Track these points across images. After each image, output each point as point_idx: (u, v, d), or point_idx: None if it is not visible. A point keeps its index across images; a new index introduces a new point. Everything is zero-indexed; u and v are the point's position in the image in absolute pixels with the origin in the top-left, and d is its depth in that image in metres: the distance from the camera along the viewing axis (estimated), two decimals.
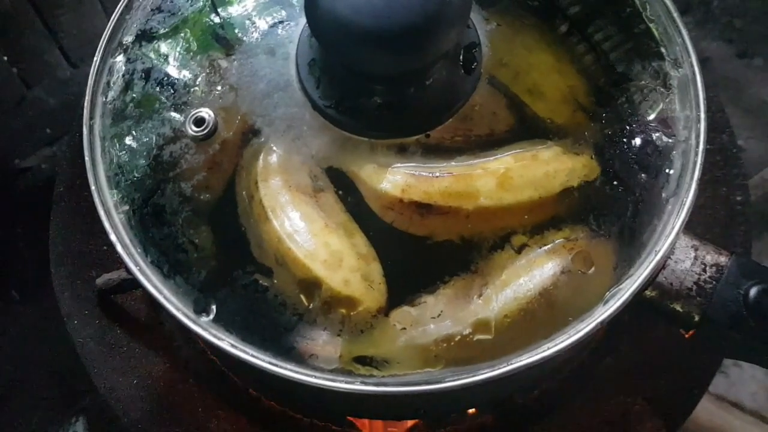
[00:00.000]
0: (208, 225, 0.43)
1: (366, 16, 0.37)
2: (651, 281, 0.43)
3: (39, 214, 0.74)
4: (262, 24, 0.48)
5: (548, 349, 0.39)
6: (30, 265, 1.02)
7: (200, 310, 0.42)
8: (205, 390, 0.65)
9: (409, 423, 0.64)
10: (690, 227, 0.43)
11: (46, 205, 0.71)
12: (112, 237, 0.43)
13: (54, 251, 0.69)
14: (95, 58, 0.48)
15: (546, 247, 0.42)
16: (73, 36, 1.07)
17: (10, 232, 1.07)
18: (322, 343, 0.40)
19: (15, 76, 1.06)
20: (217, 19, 0.48)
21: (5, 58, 1.02)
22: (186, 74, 0.47)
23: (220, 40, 0.48)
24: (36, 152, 1.13)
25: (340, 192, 0.43)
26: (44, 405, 0.98)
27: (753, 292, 0.42)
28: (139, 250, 0.43)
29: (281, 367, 0.40)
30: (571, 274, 0.41)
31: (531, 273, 0.41)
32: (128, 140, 0.46)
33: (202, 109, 0.45)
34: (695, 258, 0.44)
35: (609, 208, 0.43)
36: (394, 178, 0.42)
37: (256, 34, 0.47)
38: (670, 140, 0.44)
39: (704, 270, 0.43)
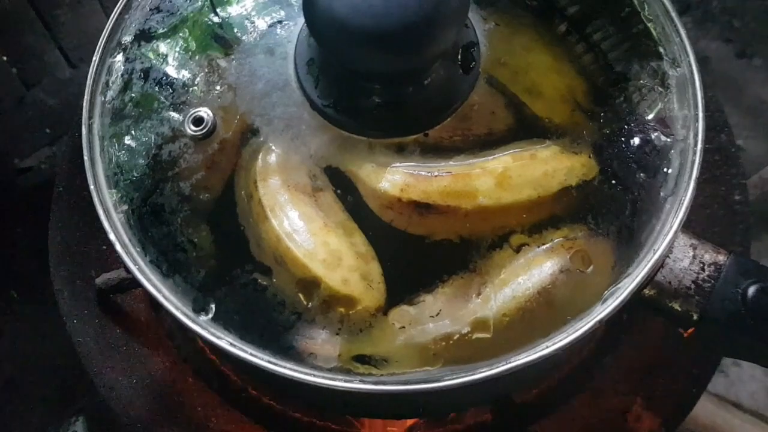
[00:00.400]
0: (207, 224, 0.43)
1: (364, 15, 0.37)
2: (649, 280, 0.43)
3: (38, 214, 0.74)
4: (261, 24, 0.48)
5: (547, 348, 0.39)
6: (29, 264, 1.02)
7: (199, 308, 0.42)
8: (204, 389, 0.65)
9: (408, 422, 0.64)
10: (688, 226, 0.43)
11: (46, 205, 0.71)
12: (111, 236, 0.43)
13: (53, 251, 0.69)
14: (94, 58, 0.48)
15: (545, 247, 0.42)
16: (73, 36, 1.07)
17: (9, 232, 1.08)
18: (321, 341, 0.41)
19: (14, 77, 1.06)
20: (215, 19, 0.49)
21: (5, 58, 1.02)
22: (185, 74, 0.47)
23: (219, 40, 0.48)
24: (35, 152, 1.13)
25: (339, 191, 0.43)
26: (44, 404, 0.98)
27: (751, 290, 0.42)
28: (138, 249, 0.43)
29: (280, 365, 0.40)
30: (570, 273, 0.41)
31: (530, 272, 0.41)
32: (127, 140, 0.46)
33: (200, 108, 0.45)
34: (694, 257, 0.44)
35: (607, 207, 0.43)
36: (393, 178, 0.42)
37: (254, 34, 0.47)
38: (668, 139, 0.44)
39: (703, 269, 0.43)
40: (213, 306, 0.42)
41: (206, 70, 0.47)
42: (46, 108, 1.11)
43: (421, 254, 0.42)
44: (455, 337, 0.40)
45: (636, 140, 0.44)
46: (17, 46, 1.02)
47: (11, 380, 1.00)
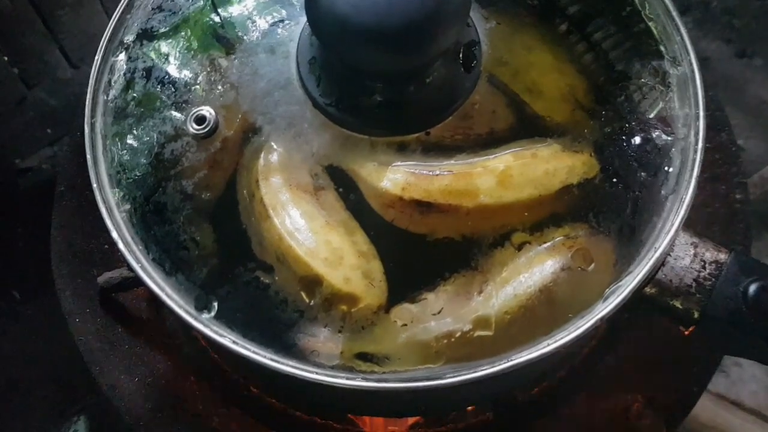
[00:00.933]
0: (209, 223, 0.43)
1: (366, 14, 0.37)
2: (650, 278, 0.43)
3: (40, 214, 0.74)
4: (263, 23, 0.48)
5: (548, 345, 0.39)
6: (31, 264, 1.02)
7: (202, 307, 0.42)
8: (206, 388, 0.65)
9: (410, 420, 0.64)
10: (689, 225, 0.43)
11: (47, 205, 0.71)
12: (114, 235, 0.43)
13: (55, 250, 0.69)
14: (96, 57, 0.48)
15: (546, 245, 0.42)
16: (74, 36, 1.07)
17: (11, 232, 1.08)
18: (324, 339, 0.41)
19: (15, 77, 1.06)
20: (217, 19, 0.49)
21: (5, 58, 1.02)
22: (187, 73, 0.47)
23: (221, 39, 0.48)
24: (37, 152, 1.13)
25: (341, 190, 0.43)
26: (45, 404, 0.98)
27: (752, 288, 0.42)
28: (140, 247, 0.43)
29: (283, 363, 0.40)
30: (571, 271, 0.41)
31: (531, 270, 0.41)
32: (129, 139, 0.46)
33: (203, 107, 0.45)
34: (695, 255, 0.44)
35: (608, 206, 0.43)
36: (395, 176, 0.42)
37: (256, 33, 0.48)
38: (669, 138, 0.45)
39: (704, 267, 0.44)
40: (215, 304, 0.42)
41: (208, 69, 0.47)
42: (47, 108, 1.11)
43: (422, 252, 0.42)
44: (457, 335, 0.40)
45: (637, 139, 0.44)
46: (18, 47, 1.02)
47: (13, 380, 1.00)
